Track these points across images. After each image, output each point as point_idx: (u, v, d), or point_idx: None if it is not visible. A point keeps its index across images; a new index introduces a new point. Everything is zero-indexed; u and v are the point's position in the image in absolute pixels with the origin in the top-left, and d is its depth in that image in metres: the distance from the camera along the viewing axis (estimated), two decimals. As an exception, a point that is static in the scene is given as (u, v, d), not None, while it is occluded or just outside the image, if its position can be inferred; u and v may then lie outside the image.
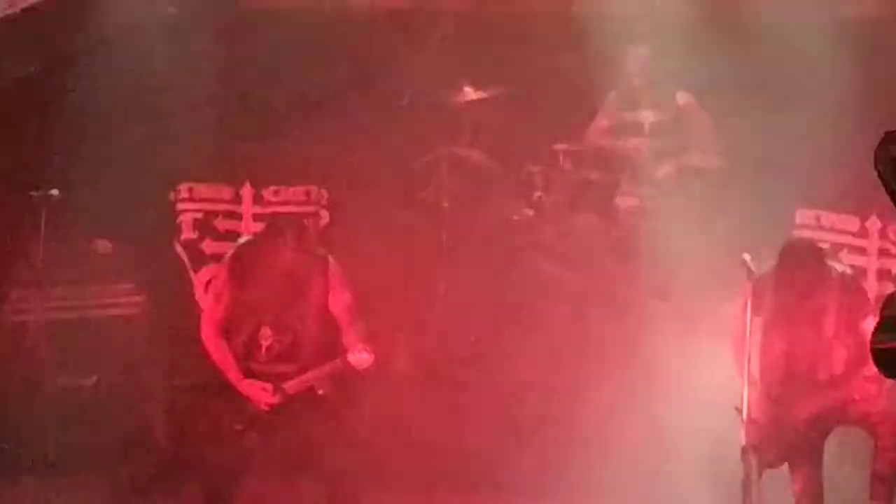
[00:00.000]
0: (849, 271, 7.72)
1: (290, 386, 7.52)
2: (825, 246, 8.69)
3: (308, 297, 7.62)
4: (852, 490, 7.47)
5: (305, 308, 7.62)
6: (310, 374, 7.54)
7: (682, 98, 9.52)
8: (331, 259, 7.75)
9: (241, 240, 8.11)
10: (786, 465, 7.53)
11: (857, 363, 7.32)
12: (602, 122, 9.80)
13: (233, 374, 7.57)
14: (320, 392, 7.56)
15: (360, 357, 7.50)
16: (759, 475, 7.30)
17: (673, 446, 7.99)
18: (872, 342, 3.53)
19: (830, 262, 7.64)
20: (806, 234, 8.87)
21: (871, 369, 5.84)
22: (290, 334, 7.61)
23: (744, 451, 7.14)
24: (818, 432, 7.49)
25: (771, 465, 7.44)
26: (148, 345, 8.91)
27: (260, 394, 7.52)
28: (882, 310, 3.56)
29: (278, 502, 7.96)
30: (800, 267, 7.41)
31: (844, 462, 7.61)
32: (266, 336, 7.61)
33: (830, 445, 7.56)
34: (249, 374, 7.57)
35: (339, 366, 7.53)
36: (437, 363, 9.08)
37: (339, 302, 7.65)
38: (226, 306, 7.65)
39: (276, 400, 7.51)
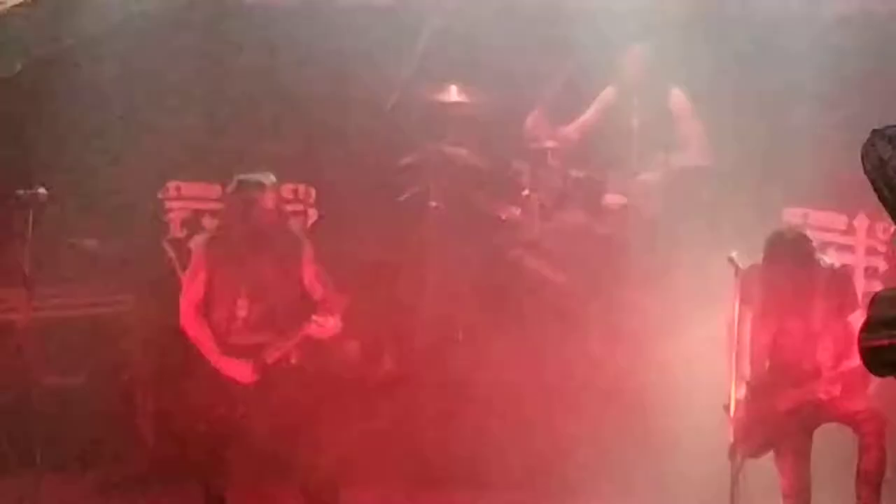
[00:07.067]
0: (837, 264, 7.73)
1: (268, 355, 7.56)
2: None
3: (283, 269, 7.70)
4: (840, 488, 7.48)
5: (281, 278, 7.68)
6: (287, 342, 7.59)
7: (672, 97, 9.50)
8: (307, 242, 7.90)
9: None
10: (774, 465, 7.54)
11: (841, 356, 7.34)
12: (591, 119, 9.79)
13: (210, 352, 7.61)
14: (293, 361, 7.62)
15: (324, 321, 7.54)
16: (742, 465, 7.32)
17: (662, 444, 8.00)
18: (860, 340, 3.54)
19: (819, 255, 7.65)
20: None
21: (855, 363, 5.84)
22: (265, 303, 7.65)
23: (732, 448, 7.17)
24: (800, 426, 7.49)
25: (753, 455, 7.44)
26: (136, 343, 8.90)
27: (239, 371, 7.54)
28: (869, 308, 3.57)
29: (266, 496, 7.99)
30: (788, 257, 7.42)
31: (832, 459, 7.62)
32: (243, 307, 7.64)
33: (818, 443, 7.58)
34: (228, 350, 7.59)
35: (308, 330, 7.57)
36: (423, 360, 9.08)
37: (312, 276, 7.75)
38: (204, 283, 7.71)
39: (256, 377, 7.54)
